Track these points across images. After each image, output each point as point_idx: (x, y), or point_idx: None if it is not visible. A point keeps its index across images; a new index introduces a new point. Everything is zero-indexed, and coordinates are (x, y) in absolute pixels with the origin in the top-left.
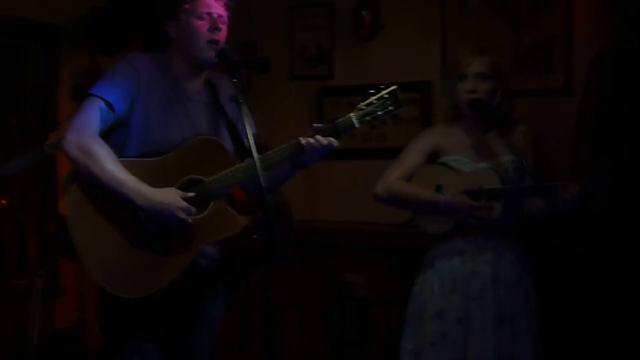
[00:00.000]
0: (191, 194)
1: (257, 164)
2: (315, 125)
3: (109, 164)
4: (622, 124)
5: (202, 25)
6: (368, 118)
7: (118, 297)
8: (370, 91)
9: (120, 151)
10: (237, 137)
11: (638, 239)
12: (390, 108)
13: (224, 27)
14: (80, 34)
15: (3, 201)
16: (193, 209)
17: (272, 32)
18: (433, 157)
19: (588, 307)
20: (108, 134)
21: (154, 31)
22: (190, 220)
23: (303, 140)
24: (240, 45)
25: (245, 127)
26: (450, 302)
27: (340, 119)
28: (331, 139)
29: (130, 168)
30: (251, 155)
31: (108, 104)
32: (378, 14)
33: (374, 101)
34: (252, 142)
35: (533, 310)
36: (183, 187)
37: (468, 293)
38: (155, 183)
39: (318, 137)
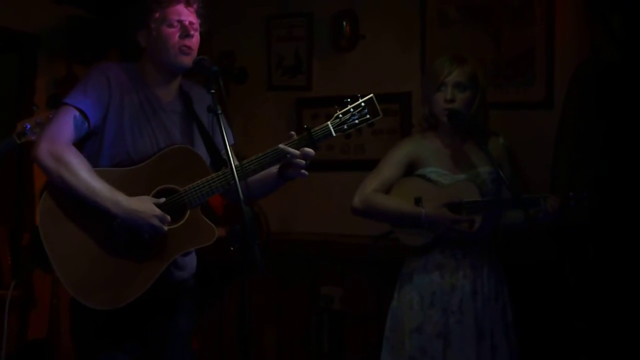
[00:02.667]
0: (163, 199)
1: (235, 173)
2: (291, 133)
3: (82, 172)
4: (602, 137)
5: (173, 33)
6: (345, 127)
7: (90, 308)
8: (347, 100)
9: (94, 161)
10: (213, 147)
11: (615, 253)
12: (368, 116)
13: (195, 34)
14: (57, 43)
15: None
16: (168, 218)
17: (250, 42)
18: (411, 168)
19: (565, 321)
20: (82, 144)
21: (129, 41)
22: (165, 228)
23: (281, 146)
24: (217, 55)
25: (221, 137)
26: (430, 316)
27: (316, 128)
28: (307, 149)
29: (104, 177)
30: (227, 165)
31: (82, 113)
32: (357, 25)
33: (351, 109)
34: (229, 151)
35: (511, 324)
36: (158, 197)
37: (447, 307)
38: (129, 192)
39: (291, 145)
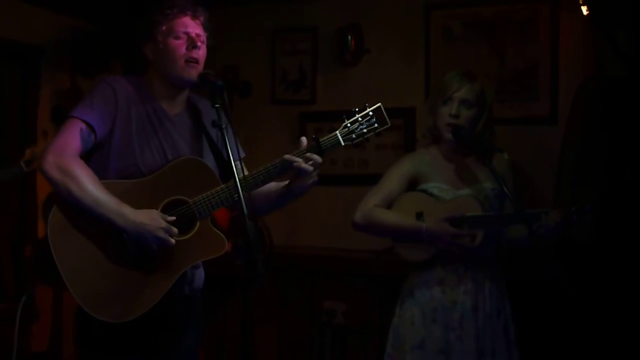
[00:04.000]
0: (172, 218)
1: (239, 185)
2: (301, 138)
3: (89, 185)
4: (606, 153)
5: (180, 45)
6: (353, 136)
7: (97, 321)
8: (355, 109)
9: (101, 173)
10: (221, 158)
11: (617, 269)
12: (376, 125)
13: (202, 46)
14: (61, 55)
15: None
16: (175, 230)
17: (254, 56)
18: (413, 184)
19: (567, 338)
20: (89, 156)
21: (133, 54)
22: (173, 240)
23: (287, 156)
24: (222, 69)
25: (229, 150)
26: (431, 332)
27: (325, 137)
28: (315, 156)
29: (112, 190)
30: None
31: (89, 125)
32: (362, 39)
33: (359, 119)
34: (234, 163)
35: (513, 342)
36: (167, 208)
37: (448, 323)
38: (138, 204)
39: (299, 154)
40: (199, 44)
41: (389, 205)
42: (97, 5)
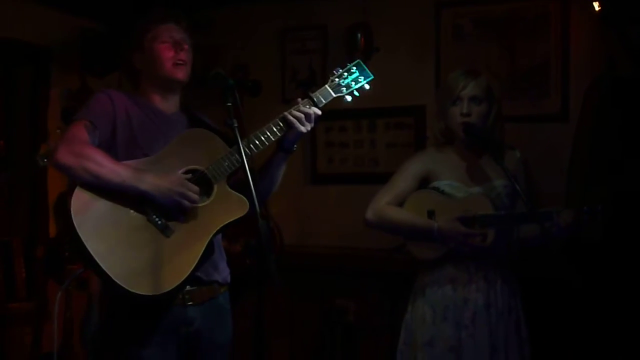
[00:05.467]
0: (188, 176)
1: (242, 149)
2: (297, 99)
3: (105, 160)
4: (618, 151)
5: (166, 48)
6: (343, 88)
7: (130, 311)
8: (338, 67)
9: None
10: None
11: (628, 268)
12: (361, 77)
13: (187, 49)
14: (71, 56)
15: None
16: (196, 188)
17: (264, 55)
18: (424, 182)
19: (578, 335)
20: None
21: (125, 64)
22: (197, 197)
23: (287, 114)
24: (232, 68)
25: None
26: (442, 330)
27: (316, 91)
28: (314, 107)
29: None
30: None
31: (91, 123)
32: (371, 37)
33: (344, 74)
34: (237, 133)
35: (525, 340)
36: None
37: (460, 321)
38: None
39: (301, 107)
40: (185, 46)
41: (401, 202)
42: (106, 6)
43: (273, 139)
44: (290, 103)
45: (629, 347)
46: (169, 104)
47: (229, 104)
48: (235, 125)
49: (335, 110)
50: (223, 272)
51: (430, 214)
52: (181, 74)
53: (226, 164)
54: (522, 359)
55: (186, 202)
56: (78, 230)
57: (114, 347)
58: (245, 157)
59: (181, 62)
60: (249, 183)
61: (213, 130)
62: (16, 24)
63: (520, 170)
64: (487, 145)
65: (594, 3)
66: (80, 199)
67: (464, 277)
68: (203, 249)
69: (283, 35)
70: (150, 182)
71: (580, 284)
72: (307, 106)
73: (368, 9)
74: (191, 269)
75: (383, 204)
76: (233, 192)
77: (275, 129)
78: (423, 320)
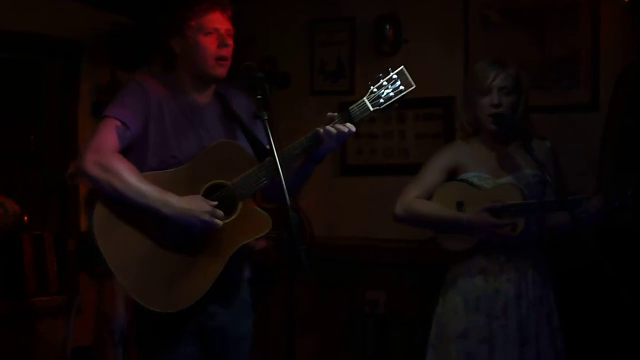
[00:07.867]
0: (215, 203)
1: (278, 161)
2: (329, 114)
3: (131, 178)
4: None
5: (211, 42)
6: (381, 100)
7: (152, 312)
8: (380, 74)
9: (140, 168)
10: (256, 141)
11: None
12: (402, 88)
13: (231, 43)
14: (100, 50)
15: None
16: (220, 212)
17: (292, 47)
18: (452, 174)
19: (611, 325)
20: (127, 153)
21: (162, 48)
22: (220, 222)
23: (321, 130)
24: (260, 61)
25: (270, 139)
26: (474, 321)
27: (353, 105)
28: (349, 124)
29: (152, 180)
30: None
31: (123, 122)
32: (399, 29)
33: (384, 83)
34: (272, 142)
35: (557, 329)
36: (207, 193)
37: (491, 312)
38: (179, 192)
39: (337, 125)
40: (229, 41)
41: (429, 196)
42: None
43: (302, 154)
44: (320, 94)
45: None
46: (204, 94)
47: (259, 96)
48: (266, 117)
49: None
50: (244, 270)
51: (460, 206)
52: (222, 71)
53: (252, 180)
54: (555, 350)
55: (206, 227)
56: (98, 241)
57: (140, 340)
58: (278, 159)
59: (224, 59)
60: (281, 180)
61: (244, 127)
62: (45, 19)
63: (550, 160)
64: (518, 136)
65: None
66: (104, 210)
67: (495, 268)
68: (221, 268)
69: (311, 27)
70: (174, 206)
71: (613, 271)
72: (342, 122)
73: (396, 0)
74: (208, 288)
75: (411, 198)
76: (257, 209)
77: (306, 144)
78: (455, 312)
